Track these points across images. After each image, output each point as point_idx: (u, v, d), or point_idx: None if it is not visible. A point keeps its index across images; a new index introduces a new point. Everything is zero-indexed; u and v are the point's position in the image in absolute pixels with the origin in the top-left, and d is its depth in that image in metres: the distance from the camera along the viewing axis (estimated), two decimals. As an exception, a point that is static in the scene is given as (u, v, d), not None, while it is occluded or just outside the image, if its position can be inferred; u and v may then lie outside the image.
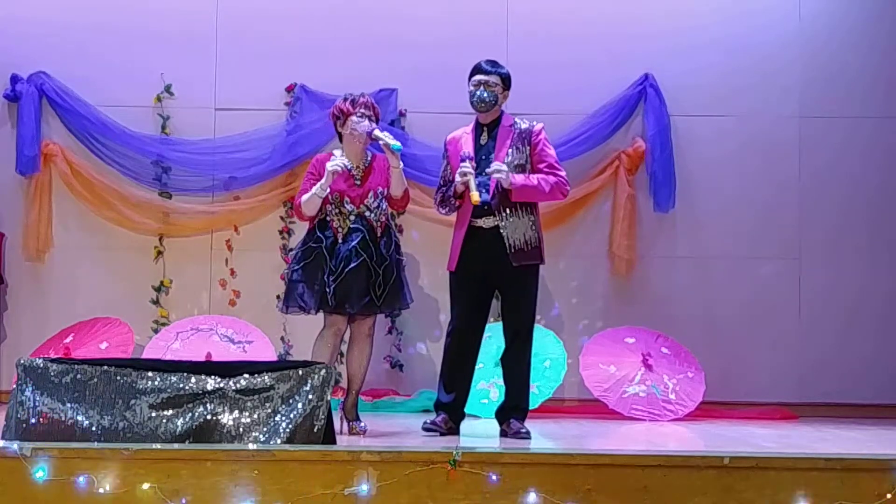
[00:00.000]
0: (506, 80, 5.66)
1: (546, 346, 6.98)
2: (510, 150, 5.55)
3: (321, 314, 5.69)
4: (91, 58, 7.41)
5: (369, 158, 5.77)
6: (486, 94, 5.57)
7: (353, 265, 5.51)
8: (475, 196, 5.37)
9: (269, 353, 6.96)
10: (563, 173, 5.64)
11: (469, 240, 5.52)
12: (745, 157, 7.53)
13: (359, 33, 7.47)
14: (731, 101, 7.52)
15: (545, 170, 5.58)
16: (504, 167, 5.46)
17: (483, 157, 5.57)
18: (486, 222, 5.51)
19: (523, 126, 5.64)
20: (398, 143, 5.58)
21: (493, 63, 5.67)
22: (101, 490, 4.03)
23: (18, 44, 7.39)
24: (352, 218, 5.61)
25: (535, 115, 7.14)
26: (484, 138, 5.64)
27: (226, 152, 7.37)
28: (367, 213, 5.63)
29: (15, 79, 7.35)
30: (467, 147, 5.58)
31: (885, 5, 7.61)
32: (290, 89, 7.44)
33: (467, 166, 5.44)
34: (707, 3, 7.60)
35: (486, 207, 5.50)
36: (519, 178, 5.48)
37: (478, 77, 5.61)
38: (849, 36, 7.59)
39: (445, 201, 5.64)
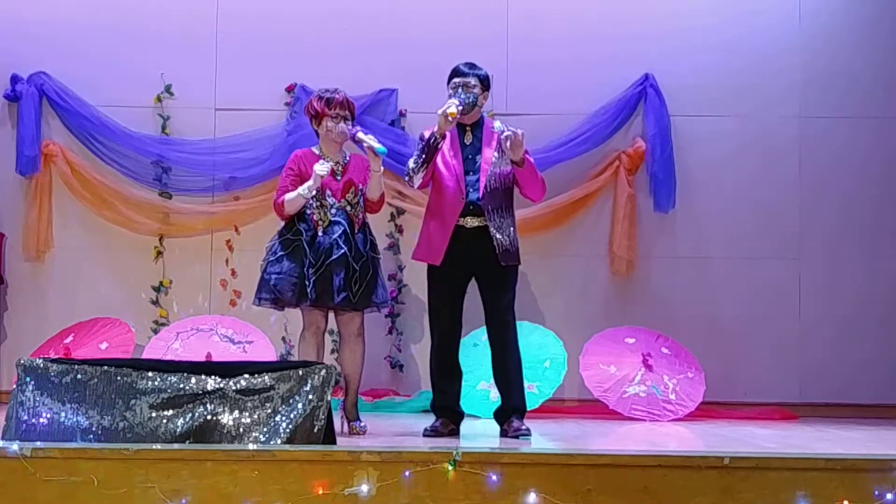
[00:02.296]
0: (484, 82, 5.62)
1: (546, 346, 6.98)
2: (496, 153, 5.54)
3: (299, 313, 5.69)
4: (91, 58, 7.42)
5: (347, 156, 5.76)
6: (465, 96, 5.51)
7: (334, 257, 5.50)
8: (452, 108, 5.34)
9: (269, 354, 6.96)
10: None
11: (455, 239, 5.51)
12: (745, 157, 7.53)
13: (359, 33, 7.47)
14: (731, 101, 7.52)
15: None
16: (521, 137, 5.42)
17: (469, 157, 5.56)
18: (469, 222, 5.50)
19: (506, 131, 5.63)
20: (383, 147, 5.55)
21: (471, 65, 5.64)
22: (101, 490, 4.03)
23: (18, 44, 7.40)
24: (333, 211, 5.60)
25: (536, 115, 7.19)
26: (468, 138, 5.62)
27: (226, 152, 7.38)
28: (347, 208, 5.63)
29: (15, 79, 7.35)
30: (452, 147, 5.56)
31: (885, 5, 7.61)
32: (290, 89, 7.45)
33: (454, 102, 5.41)
34: (707, 4, 7.60)
35: (471, 207, 5.49)
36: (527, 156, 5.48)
37: (456, 80, 5.58)
38: (849, 36, 7.59)
39: (424, 153, 5.48)
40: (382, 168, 5.64)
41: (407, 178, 5.64)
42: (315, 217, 5.59)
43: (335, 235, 5.54)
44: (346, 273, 5.51)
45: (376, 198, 5.68)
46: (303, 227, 5.58)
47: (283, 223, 5.73)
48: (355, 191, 5.66)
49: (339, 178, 5.64)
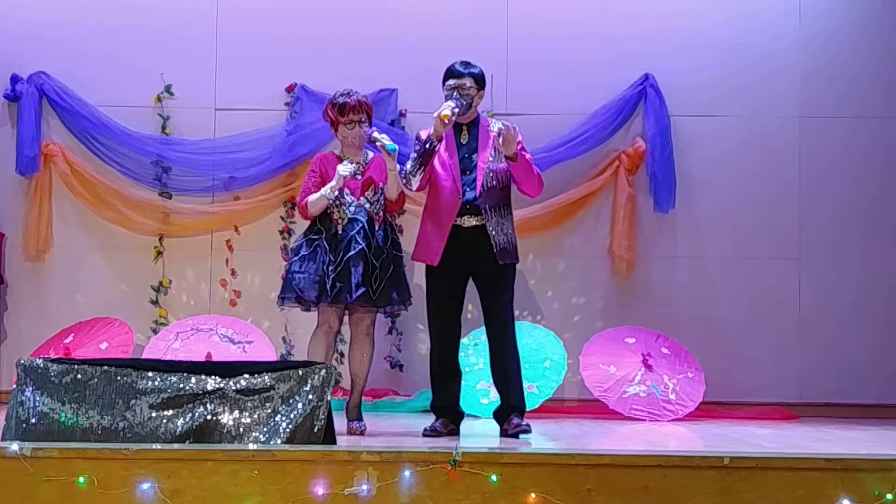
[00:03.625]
0: (479, 80, 5.60)
1: (546, 346, 6.98)
2: (493, 151, 5.54)
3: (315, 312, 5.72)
4: (91, 58, 7.42)
5: (370, 156, 5.79)
6: (460, 99, 5.51)
7: (351, 253, 5.54)
8: (446, 110, 5.34)
9: (269, 354, 6.96)
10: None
11: (452, 239, 5.51)
12: (745, 157, 7.53)
13: (359, 33, 7.47)
14: (731, 101, 7.52)
15: None
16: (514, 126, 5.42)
17: (465, 156, 5.56)
18: (466, 221, 5.50)
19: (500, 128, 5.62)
20: (393, 144, 5.57)
21: (466, 64, 5.62)
22: (101, 490, 4.03)
23: (18, 44, 7.39)
24: (351, 209, 5.64)
25: (536, 115, 7.19)
26: (465, 137, 5.62)
27: (226, 152, 7.38)
28: (367, 205, 5.66)
29: (15, 79, 7.35)
30: (449, 147, 5.56)
31: (885, 5, 7.62)
32: (290, 89, 7.45)
33: (451, 104, 5.40)
34: (707, 4, 7.60)
35: (468, 206, 5.49)
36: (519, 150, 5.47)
37: (451, 82, 5.57)
38: (849, 36, 7.59)
39: (421, 156, 5.49)
40: (399, 167, 5.65)
41: (405, 182, 5.65)
42: (335, 216, 5.65)
43: (353, 232, 5.58)
44: (365, 269, 5.53)
45: (394, 196, 5.69)
46: (324, 227, 5.65)
47: (307, 224, 5.80)
48: (375, 189, 5.69)
49: (359, 177, 5.68)
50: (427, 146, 5.49)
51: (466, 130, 5.63)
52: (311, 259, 5.61)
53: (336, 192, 5.61)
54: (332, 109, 5.74)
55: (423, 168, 5.54)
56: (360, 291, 5.52)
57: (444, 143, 5.56)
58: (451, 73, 5.60)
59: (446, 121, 5.38)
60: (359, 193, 5.67)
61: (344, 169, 5.57)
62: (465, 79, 5.56)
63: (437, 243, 5.52)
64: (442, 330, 5.63)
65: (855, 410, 7.27)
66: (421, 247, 5.63)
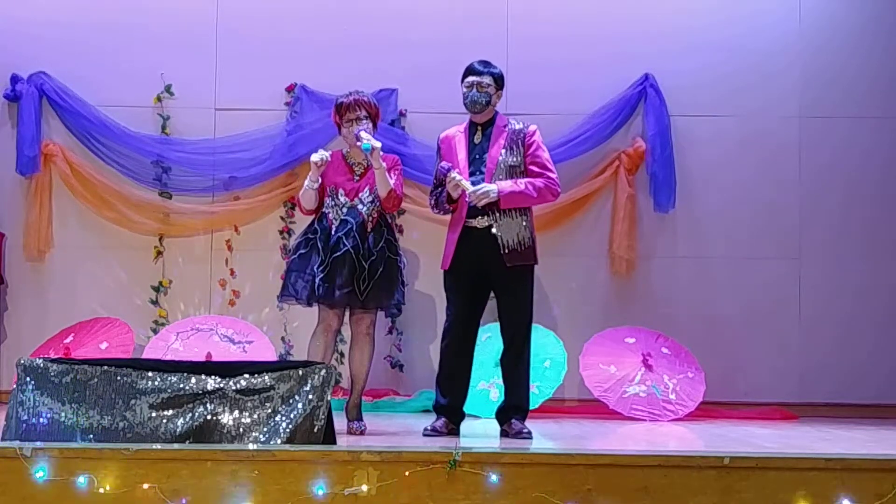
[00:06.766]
0: (498, 80, 5.64)
1: (546, 346, 6.98)
2: (503, 150, 5.55)
3: (316, 310, 5.74)
4: (91, 58, 7.42)
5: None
6: (478, 96, 5.56)
7: (337, 254, 5.56)
8: (457, 180, 5.41)
9: (269, 354, 6.96)
10: (553, 175, 5.61)
11: (463, 240, 5.52)
12: (745, 157, 7.53)
13: (359, 33, 7.48)
14: (731, 101, 7.52)
15: (536, 170, 5.56)
16: (492, 187, 5.42)
17: (476, 156, 5.57)
18: (479, 222, 5.51)
19: (517, 127, 5.63)
20: (368, 144, 5.54)
21: (486, 63, 5.66)
22: (101, 490, 4.03)
23: (18, 44, 7.39)
24: (344, 210, 5.66)
25: (536, 115, 7.16)
26: (478, 137, 5.63)
27: (226, 152, 7.38)
28: (360, 207, 5.67)
29: (15, 79, 7.35)
30: (460, 147, 5.58)
31: (885, 5, 7.62)
32: (290, 89, 7.45)
33: (455, 176, 5.43)
34: (707, 4, 7.61)
35: (479, 207, 5.49)
36: (506, 187, 5.44)
37: (470, 78, 5.61)
38: (849, 36, 7.59)
39: (440, 205, 5.63)
40: (385, 165, 5.65)
41: (430, 207, 5.78)
42: (330, 216, 5.69)
43: (341, 233, 5.60)
44: (352, 270, 5.53)
45: (383, 195, 5.68)
46: (320, 226, 5.69)
47: (307, 223, 5.84)
48: (371, 190, 5.70)
49: (356, 178, 5.69)
50: (447, 205, 5.56)
51: (481, 130, 5.64)
52: (306, 258, 5.66)
53: (317, 181, 5.64)
54: (334, 111, 5.79)
55: (442, 210, 5.65)
56: (343, 292, 5.53)
57: (457, 143, 5.60)
58: (470, 70, 5.65)
59: (460, 191, 5.46)
60: (353, 195, 5.68)
61: (315, 156, 5.62)
62: (484, 76, 5.59)
63: (450, 246, 5.57)
64: (455, 333, 5.61)
65: (855, 410, 7.27)
66: (444, 254, 5.64)
